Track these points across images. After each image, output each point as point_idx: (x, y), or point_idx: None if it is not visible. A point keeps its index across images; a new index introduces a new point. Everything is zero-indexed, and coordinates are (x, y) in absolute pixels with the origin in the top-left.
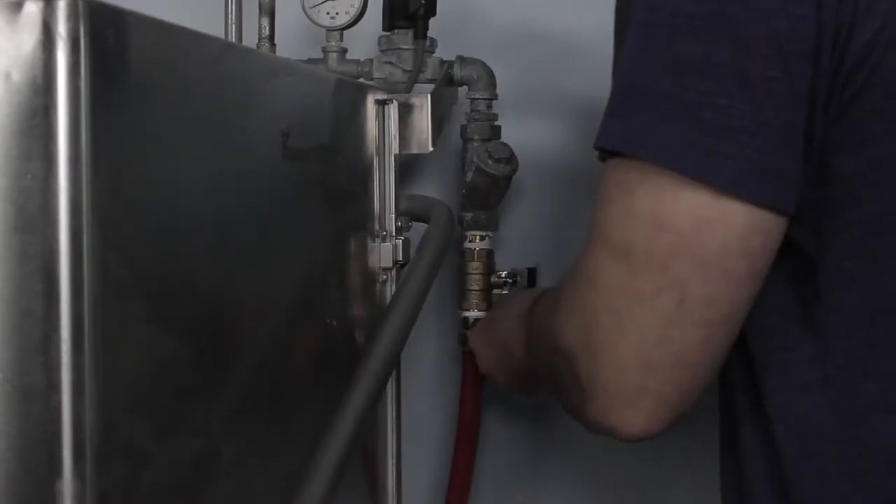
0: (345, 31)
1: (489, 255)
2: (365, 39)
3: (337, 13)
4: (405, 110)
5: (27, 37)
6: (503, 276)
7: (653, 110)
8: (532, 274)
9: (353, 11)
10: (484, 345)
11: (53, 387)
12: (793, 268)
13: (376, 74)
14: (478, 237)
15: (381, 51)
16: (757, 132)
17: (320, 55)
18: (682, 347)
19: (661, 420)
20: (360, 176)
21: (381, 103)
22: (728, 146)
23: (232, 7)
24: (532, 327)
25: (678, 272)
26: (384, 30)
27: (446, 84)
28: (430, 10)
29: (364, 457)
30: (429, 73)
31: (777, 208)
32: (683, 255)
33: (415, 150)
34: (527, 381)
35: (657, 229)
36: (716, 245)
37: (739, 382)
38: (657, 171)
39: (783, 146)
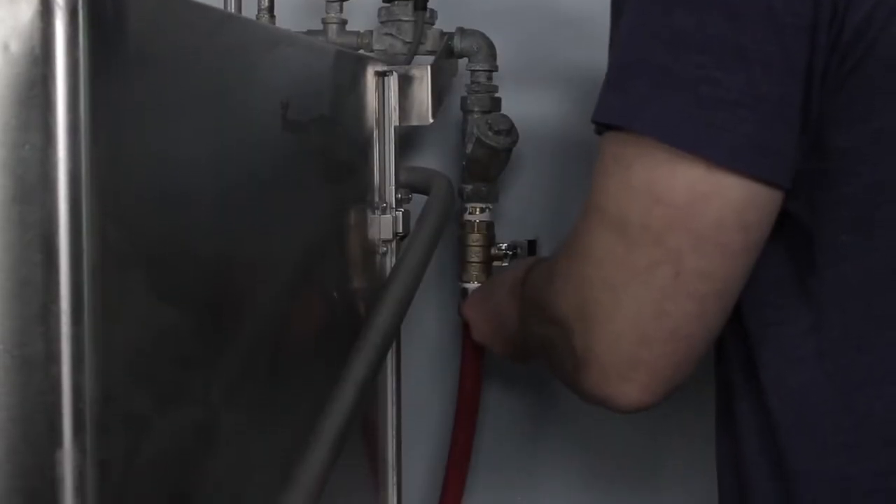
0: (344, 3)
1: (489, 227)
2: (365, 11)
3: None
4: (405, 82)
5: (25, 6)
6: (503, 248)
7: (649, 84)
8: (532, 246)
9: None
10: (478, 314)
11: (53, 357)
12: (789, 242)
13: (376, 46)
14: (478, 209)
15: (381, 22)
16: (753, 106)
17: (320, 27)
18: (676, 321)
19: (655, 392)
20: (360, 148)
21: (381, 75)
22: (724, 120)
23: None
24: (525, 298)
25: (674, 245)
26: (384, 1)
27: (446, 56)
28: None
29: (364, 429)
30: (429, 44)
31: (773, 182)
32: (679, 228)
33: (415, 122)
34: (521, 350)
35: (653, 203)
36: (711, 218)
37: (734, 357)
38: (654, 144)
39: (780, 120)
